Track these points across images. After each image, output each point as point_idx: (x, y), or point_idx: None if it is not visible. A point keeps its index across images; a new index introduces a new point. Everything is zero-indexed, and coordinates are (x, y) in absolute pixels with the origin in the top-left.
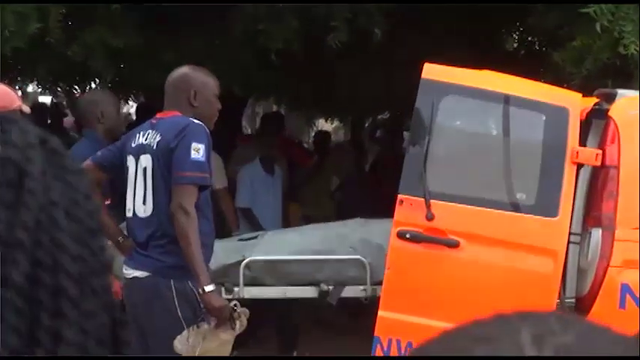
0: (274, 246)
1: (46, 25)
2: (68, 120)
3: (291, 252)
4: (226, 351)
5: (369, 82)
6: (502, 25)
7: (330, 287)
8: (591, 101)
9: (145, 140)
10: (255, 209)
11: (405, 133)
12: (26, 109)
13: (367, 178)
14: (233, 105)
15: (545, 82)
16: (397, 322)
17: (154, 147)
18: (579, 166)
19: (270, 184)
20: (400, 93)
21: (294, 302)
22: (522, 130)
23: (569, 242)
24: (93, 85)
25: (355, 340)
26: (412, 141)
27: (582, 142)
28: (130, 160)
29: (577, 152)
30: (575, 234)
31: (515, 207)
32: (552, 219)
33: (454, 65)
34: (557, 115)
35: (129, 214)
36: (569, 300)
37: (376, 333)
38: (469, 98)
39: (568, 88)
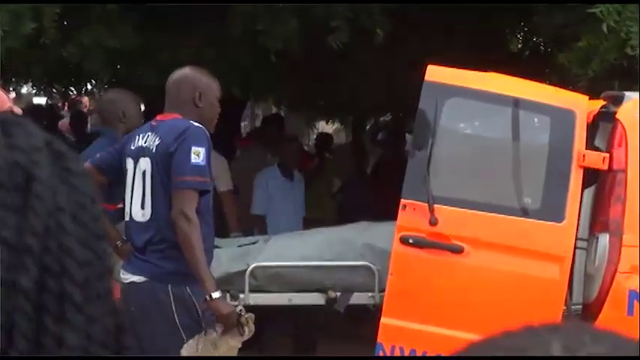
0: (279, 252)
1: (40, 25)
2: (64, 122)
3: (296, 258)
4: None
5: (370, 83)
6: (506, 25)
7: (338, 294)
8: (598, 104)
9: (145, 143)
10: (271, 216)
11: (407, 135)
12: (18, 110)
13: (369, 181)
14: (232, 106)
15: (550, 83)
16: (400, 329)
17: (153, 150)
18: (586, 170)
19: (289, 190)
20: (402, 94)
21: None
22: (528, 133)
23: (575, 248)
24: (89, 87)
25: (357, 347)
26: (415, 144)
27: (589, 146)
28: (129, 163)
29: (584, 156)
30: (581, 239)
31: (521, 212)
32: (558, 224)
33: (457, 66)
34: (563, 118)
35: (127, 217)
36: (575, 307)
37: (379, 340)
38: (473, 101)
39: (574, 89)
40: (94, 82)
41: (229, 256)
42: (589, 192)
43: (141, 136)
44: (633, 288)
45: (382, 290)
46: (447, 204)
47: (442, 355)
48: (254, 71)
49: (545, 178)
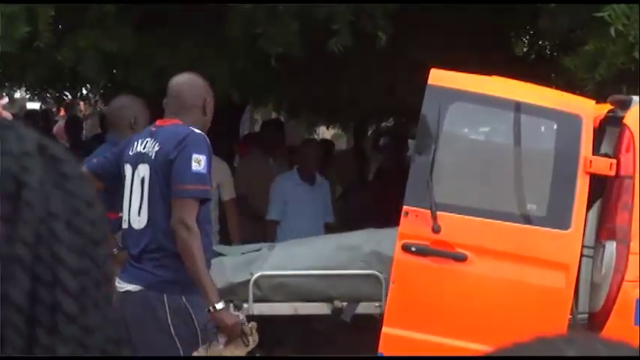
0: (283, 261)
1: (35, 28)
2: (59, 127)
3: (301, 267)
4: None
5: (372, 87)
6: (511, 28)
7: (344, 304)
8: (605, 108)
9: (144, 149)
10: (286, 221)
11: (410, 141)
12: (7, 115)
13: (371, 187)
14: (231, 111)
15: (556, 88)
16: (402, 339)
17: (153, 157)
18: (592, 176)
19: (308, 195)
20: (405, 99)
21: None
22: (533, 138)
23: (581, 256)
24: (84, 91)
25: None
26: (418, 150)
27: (596, 151)
28: (128, 170)
29: (590, 162)
30: (588, 247)
31: (526, 219)
32: (564, 231)
33: (461, 70)
34: (569, 123)
35: (124, 225)
36: (581, 316)
37: (380, 349)
38: (477, 105)
39: (580, 94)
40: (89, 86)
41: (233, 265)
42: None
43: (140, 141)
44: None
45: None
46: (451, 211)
47: None
48: (253, 75)
49: (551, 184)
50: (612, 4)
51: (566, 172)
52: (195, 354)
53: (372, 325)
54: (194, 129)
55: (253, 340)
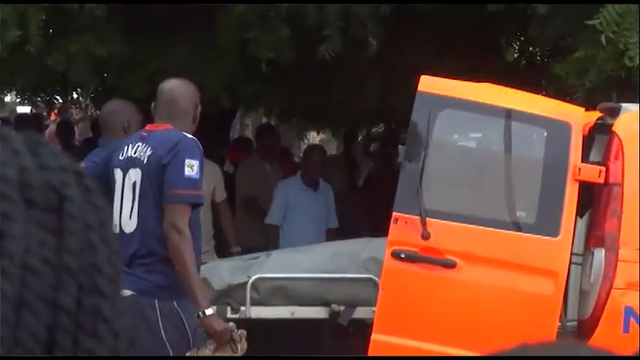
0: (282, 266)
1: (25, 32)
2: (50, 131)
3: (299, 271)
4: None
5: (362, 93)
6: (502, 34)
7: (341, 308)
8: (594, 116)
9: (135, 153)
10: (287, 226)
11: (400, 147)
12: None
13: (360, 193)
14: (221, 116)
15: (546, 94)
16: (391, 346)
17: (145, 161)
18: (583, 184)
19: (311, 200)
20: (396, 105)
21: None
22: (522, 145)
23: (570, 263)
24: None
25: None
26: (408, 156)
27: (585, 159)
28: (118, 174)
29: (579, 169)
30: (577, 254)
31: (515, 226)
32: (553, 238)
33: (452, 75)
34: (558, 131)
35: (115, 230)
36: (570, 323)
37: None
38: (467, 112)
39: (570, 101)
40: (79, 90)
41: (231, 267)
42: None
43: (130, 146)
44: (629, 304)
45: None
46: (440, 218)
47: None
48: (244, 80)
49: (540, 191)
50: (605, 8)
51: (555, 179)
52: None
53: (362, 330)
54: (186, 134)
55: (242, 347)
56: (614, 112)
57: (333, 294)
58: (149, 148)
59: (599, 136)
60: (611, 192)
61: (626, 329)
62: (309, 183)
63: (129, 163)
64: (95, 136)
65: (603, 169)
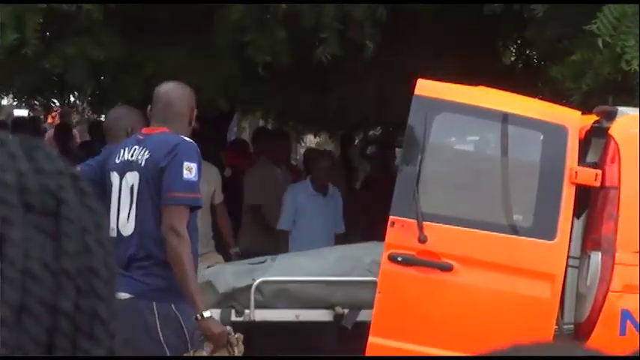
0: (286, 269)
1: (22, 35)
2: (49, 134)
3: (303, 275)
4: None
5: (360, 95)
6: (499, 37)
7: (345, 311)
8: (591, 119)
9: (132, 157)
10: (297, 231)
11: (397, 150)
12: None
13: (358, 196)
14: (218, 119)
15: (543, 97)
16: (389, 349)
17: (142, 164)
18: (578, 186)
19: (321, 205)
20: (393, 108)
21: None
22: (519, 149)
23: (567, 266)
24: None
25: None
26: (404, 160)
27: (581, 162)
28: (114, 177)
29: (576, 172)
30: (573, 257)
31: (512, 229)
32: (550, 242)
33: (449, 78)
34: (555, 134)
35: (112, 233)
36: (567, 326)
37: None
38: (463, 116)
39: (567, 104)
40: (77, 93)
41: (236, 271)
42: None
43: (127, 149)
44: (626, 307)
45: None
46: (437, 221)
47: None
48: (241, 83)
49: (537, 195)
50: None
51: (552, 182)
52: None
53: (359, 333)
54: (184, 137)
55: (239, 350)
56: (611, 116)
57: (338, 297)
58: (146, 151)
59: (596, 139)
60: (608, 195)
61: (623, 332)
62: (318, 188)
63: (126, 167)
64: (93, 140)
65: (600, 172)
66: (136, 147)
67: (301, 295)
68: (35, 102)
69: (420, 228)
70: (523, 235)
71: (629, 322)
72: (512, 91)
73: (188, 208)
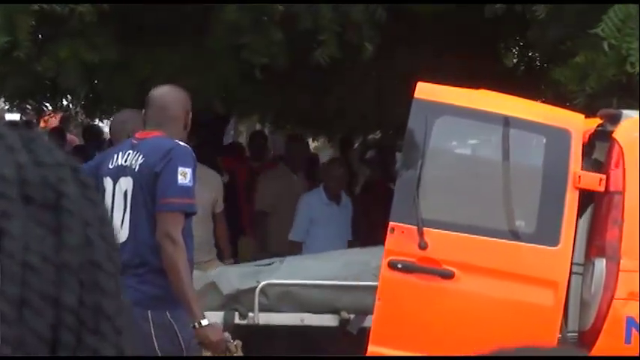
0: (292, 272)
1: (14, 38)
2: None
3: (310, 279)
4: None
5: (359, 98)
6: (501, 38)
7: (351, 316)
8: (594, 122)
9: (125, 162)
10: (311, 240)
11: (398, 154)
12: None
13: (357, 202)
14: (214, 123)
15: (546, 100)
16: (388, 358)
17: (136, 169)
18: (582, 191)
19: (335, 214)
20: (393, 111)
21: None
22: (521, 153)
23: (571, 273)
24: (64, 102)
25: None
26: (404, 164)
27: (585, 166)
28: (108, 183)
29: (579, 177)
30: (577, 264)
31: (514, 235)
32: (553, 248)
33: (449, 81)
34: (558, 138)
35: None
36: (571, 334)
37: None
38: (464, 119)
39: (570, 107)
40: (70, 97)
41: (241, 273)
42: (586, 215)
43: (120, 154)
44: (631, 315)
45: None
46: (438, 227)
47: None
48: (238, 86)
49: (540, 200)
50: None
51: (555, 187)
52: None
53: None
54: (179, 142)
55: (238, 357)
56: (615, 119)
57: (344, 301)
58: (140, 156)
59: (600, 143)
60: (612, 200)
61: (628, 340)
62: (332, 197)
63: (119, 172)
64: (87, 144)
65: (604, 177)
66: (130, 152)
67: (306, 299)
68: (27, 106)
69: (421, 234)
70: (525, 242)
71: (634, 330)
72: (514, 94)
73: (183, 214)
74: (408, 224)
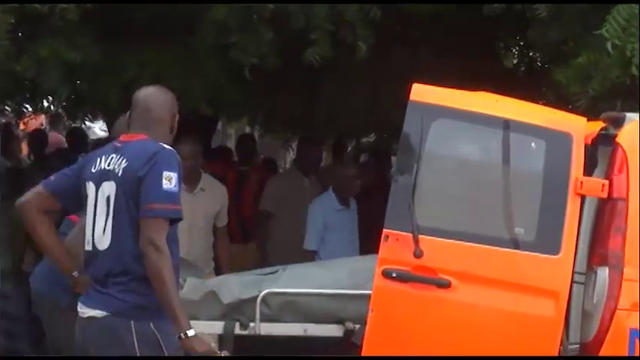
0: (297, 281)
1: None
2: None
3: (313, 288)
4: None
5: (352, 101)
6: (500, 38)
7: (356, 326)
8: (597, 126)
9: (108, 166)
10: (325, 246)
11: (393, 158)
12: None
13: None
14: (202, 125)
15: (547, 103)
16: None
17: (119, 174)
18: (583, 197)
19: (346, 219)
20: (387, 114)
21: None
22: (521, 157)
23: (572, 282)
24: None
25: None
26: (399, 169)
27: (587, 172)
28: (90, 188)
29: (581, 182)
30: (579, 273)
31: (513, 243)
32: (554, 257)
33: (447, 82)
34: (559, 142)
35: (87, 246)
36: (573, 346)
37: None
38: (462, 122)
39: (573, 109)
40: (51, 98)
41: (242, 282)
42: (587, 222)
43: (103, 158)
44: (635, 326)
45: None
46: (434, 234)
47: None
48: (226, 88)
49: (540, 206)
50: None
51: (555, 193)
52: None
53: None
54: (164, 145)
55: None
56: (619, 122)
57: (348, 311)
58: (124, 160)
59: (603, 147)
60: (615, 207)
61: (632, 352)
62: (343, 202)
63: (102, 176)
64: (70, 148)
65: (606, 182)
66: (113, 155)
67: (310, 309)
68: (6, 107)
69: (416, 242)
70: (525, 250)
71: (638, 342)
72: (514, 96)
73: (168, 221)
74: (403, 231)
